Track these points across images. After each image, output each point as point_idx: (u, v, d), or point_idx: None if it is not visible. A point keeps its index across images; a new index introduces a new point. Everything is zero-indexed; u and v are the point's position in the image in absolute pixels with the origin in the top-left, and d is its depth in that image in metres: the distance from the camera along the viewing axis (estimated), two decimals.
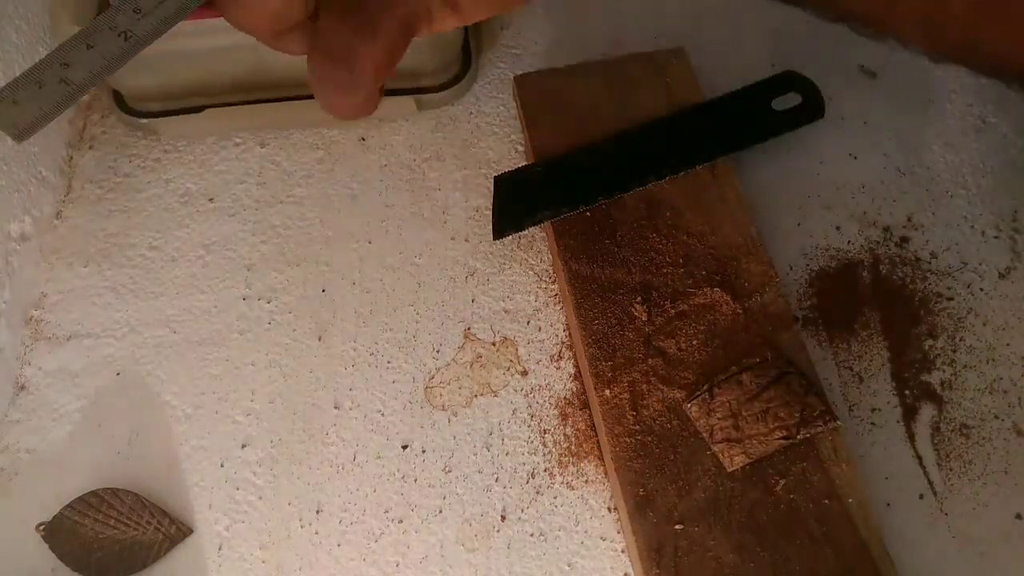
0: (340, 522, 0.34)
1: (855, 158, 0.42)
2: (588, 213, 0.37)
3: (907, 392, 0.36)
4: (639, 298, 0.35)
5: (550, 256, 0.40)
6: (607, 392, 0.33)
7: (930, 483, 0.34)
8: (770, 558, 0.29)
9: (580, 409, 0.36)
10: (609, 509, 0.33)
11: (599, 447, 0.34)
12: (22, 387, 0.38)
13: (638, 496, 0.30)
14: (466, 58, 0.45)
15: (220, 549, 0.34)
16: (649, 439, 0.32)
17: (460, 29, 0.43)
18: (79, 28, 0.36)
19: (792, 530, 0.30)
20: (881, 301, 0.37)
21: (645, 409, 0.32)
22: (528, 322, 0.38)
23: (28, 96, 0.33)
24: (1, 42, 0.40)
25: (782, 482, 0.31)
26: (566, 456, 0.35)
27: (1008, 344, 0.36)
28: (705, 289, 0.35)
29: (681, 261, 0.36)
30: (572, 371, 0.37)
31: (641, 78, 0.41)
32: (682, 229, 0.37)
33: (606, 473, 0.34)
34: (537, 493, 0.34)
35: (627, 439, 0.32)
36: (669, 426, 0.32)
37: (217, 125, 0.45)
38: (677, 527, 0.30)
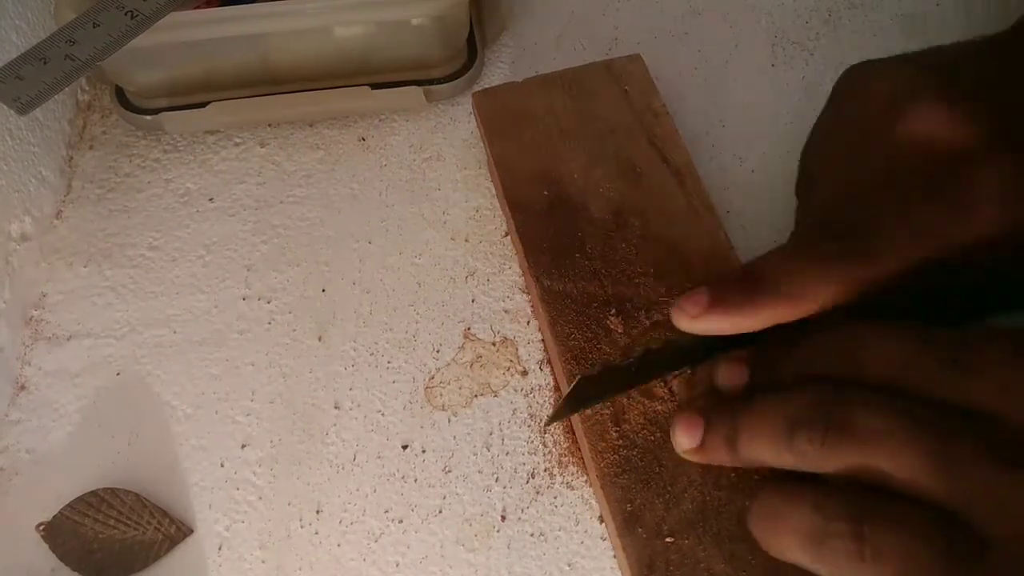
0: (340, 522, 0.34)
1: None
2: (554, 228, 0.37)
3: None
4: (613, 310, 0.35)
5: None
6: (588, 409, 0.33)
7: None
8: (762, 566, 0.29)
9: None
10: None
11: (584, 463, 0.34)
12: (22, 387, 0.38)
13: (626, 512, 0.30)
14: (471, 50, 0.46)
15: (220, 549, 0.34)
16: (633, 453, 0.31)
17: (467, 19, 0.43)
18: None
19: None
20: None
21: (627, 423, 0.32)
22: (528, 322, 0.38)
23: (32, 71, 0.33)
24: (1, 42, 0.40)
25: None
26: (566, 456, 0.35)
27: None
28: (678, 298, 0.35)
29: (652, 271, 0.35)
30: None
31: (599, 87, 0.41)
32: (650, 238, 0.36)
33: (592, 491, 0.34)
34: (537, 493, 0.34)
35: (611, 455, 0.31)
36: (652, 439, 0.32)
37: (222, 120, 0.45)
38: (667, 540, 0.30)
